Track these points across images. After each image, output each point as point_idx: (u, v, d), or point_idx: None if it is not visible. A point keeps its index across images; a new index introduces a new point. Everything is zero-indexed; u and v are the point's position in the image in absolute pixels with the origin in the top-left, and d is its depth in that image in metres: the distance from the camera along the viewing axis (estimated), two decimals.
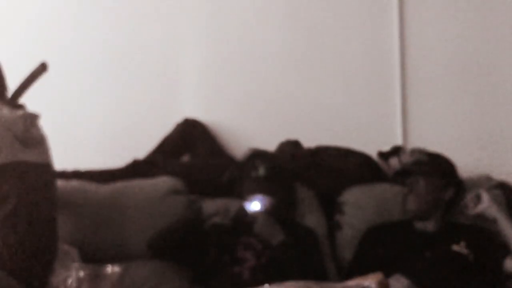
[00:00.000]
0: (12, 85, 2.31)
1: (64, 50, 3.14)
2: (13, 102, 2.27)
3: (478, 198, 2.50)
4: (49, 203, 2.24)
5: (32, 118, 2.21)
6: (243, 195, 2.39)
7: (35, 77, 2.33)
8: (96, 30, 3.29)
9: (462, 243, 2.39)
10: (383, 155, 2.95)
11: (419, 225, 2.51)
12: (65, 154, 2.75)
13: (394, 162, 2.99)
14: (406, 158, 2.85)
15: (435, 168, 2.53)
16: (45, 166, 2.25)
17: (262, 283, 1.90)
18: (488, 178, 2.79)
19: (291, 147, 2.92)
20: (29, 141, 2.17)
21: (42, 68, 2.33)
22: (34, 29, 3.29)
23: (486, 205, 2.46)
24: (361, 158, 2.87)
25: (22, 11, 3.32)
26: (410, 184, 2.53)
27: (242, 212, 2.39)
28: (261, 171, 2.34)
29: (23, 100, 2.32)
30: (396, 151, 2.94)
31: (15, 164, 2.10)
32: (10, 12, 3.31)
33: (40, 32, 3.28)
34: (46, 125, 2.29)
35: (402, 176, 2.59)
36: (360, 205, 2.67)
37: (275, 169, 2.36)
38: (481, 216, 2.49)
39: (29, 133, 2.17)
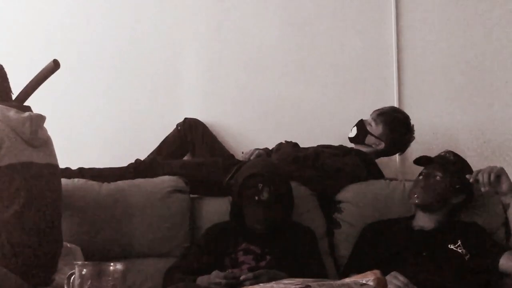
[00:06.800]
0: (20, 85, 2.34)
1: (69, 54, 3.16)
2: (20, 104, 2.28)
3: (498, 178, 2.38)
4: (54, 202, 2.27)
5: (38, 120, 2.23)
6: (244, 217, 2.43)
7: (46, 75, 2.32)
8: (100, 36, 3.35)
9: (459, 242, 2.40)
10: None
11: (417, 223, 2.52)
12: (70, 154, 2.79)
13: None
14: None
15: (457, 169, 2.49)
16: (52, 167, 2.28)
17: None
18: None
19: (292, 149, 2.93)
20: (35, 142, 2.20)
21: (54, 66, 2.32)
22: (41, 33, 3.34)
23: (506, 189, 2.37)
24: (359, 157, 2.88)
25: (27, 16, 3.37)
26: (426, 173, 2.51)
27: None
28: (265, 195, 2.37)
29: (29, 102, 2.35)
30: None
31: (23, 165, 2.13)
32: (15, 17, 3.36)
33: (46, 36, 3.32)
34: (52, 126, 2.32)
35: (423, 164, 2.56)
36: (357, 203, 2.69)
37: (277, 192, 2.38)
38: (498, 196, 2.43)
39: (35, 134, 2.19)
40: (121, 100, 3.31)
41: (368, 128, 2.95)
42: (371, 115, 2.99)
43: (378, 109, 2.99)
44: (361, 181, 2.77)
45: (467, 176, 2.44)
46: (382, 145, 2.96)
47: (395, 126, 2.94)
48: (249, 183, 2.39)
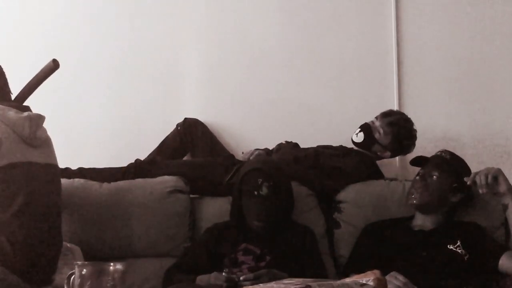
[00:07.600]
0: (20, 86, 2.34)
1: (69, 54, 3.17)
2: (19, 104, 2.29)
3: (495, 180, 2.35)
4: (54, 202, 2.28)
5: (38, 120, 2.24)
6: (244, 212, 2.44)
7: (46, 75, 2.33)
8: (100, 36, 3.35)
9: (458, 242, 2.39)
10: None
11: (416, 223, 2.52)
12: (70, 154, 2.79)
13: None
14: None
15: (454, 167, 2.49)
16: (51, 166, 2.28)
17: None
18: None
19: (292, 150, 2.93)
20: (35, 142, 2.20)
21: (54, 66, 2.32)
22: (41, 33, 3.34)
23: (504, 190, 2.34)
24: (359, 157, 2.88)
25: (27, 16, 3.37)
26: (423, 173, 2.50)
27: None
28: (264, 190, 2.37)
29: (29, 102, 2.35)
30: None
31: (23, 164, 2.13)
32: (15, 17, 3.36)
33: (46, 36, 3.33)
34: (52, 126, 2.32)
35: (419, 164, 2.55)
36: (357, 203, 2.69)
37: (276, 187, 2.39)
38: (496, 197, 2.41)
39: (35, 134, 2.19)
40: (121, 100, 3.32)
41: (376, 136, 2.90)
42: (378, 120, 2.92)
43: (387, 115, 2.92)
44: (361, 181, 2.76)
45: (465, 178, 2.44)
46: (388, 154, 2.96)
47: (404, 139, 2.92)
48: (249, 178, 2.41)
